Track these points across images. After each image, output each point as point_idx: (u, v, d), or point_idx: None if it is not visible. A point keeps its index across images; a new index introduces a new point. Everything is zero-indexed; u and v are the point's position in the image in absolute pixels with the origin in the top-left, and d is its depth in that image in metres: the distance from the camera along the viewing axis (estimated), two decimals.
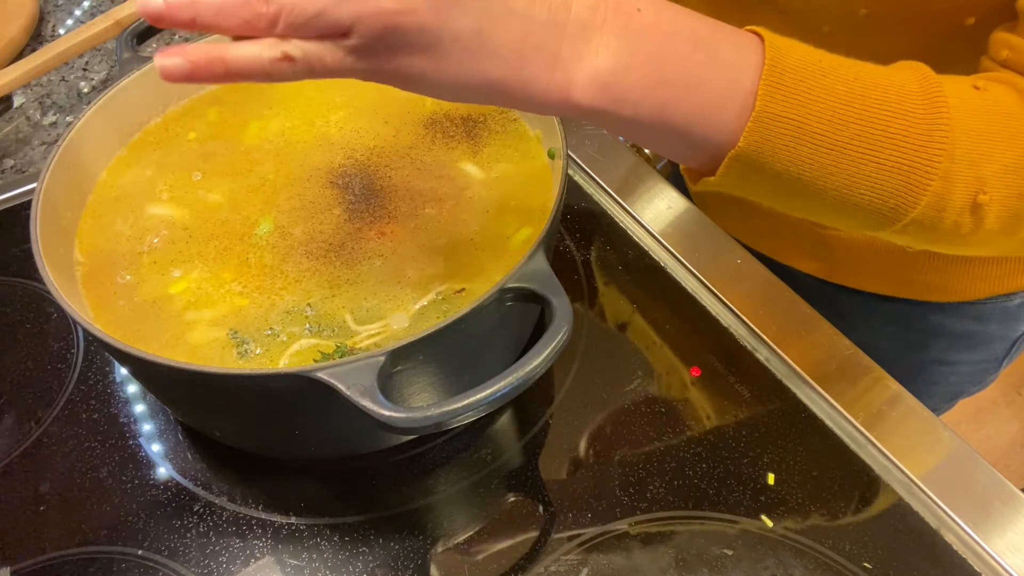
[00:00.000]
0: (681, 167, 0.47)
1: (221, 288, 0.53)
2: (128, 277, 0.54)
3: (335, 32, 0.36)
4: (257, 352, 0.50)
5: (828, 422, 0.57)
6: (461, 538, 0.52)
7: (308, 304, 0.52)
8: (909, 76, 0.43)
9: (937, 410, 0.82)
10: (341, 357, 0.48)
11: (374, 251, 0.54)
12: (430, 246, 0.55)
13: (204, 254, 0.55)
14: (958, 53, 0.51)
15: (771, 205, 0.47)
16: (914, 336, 0.73)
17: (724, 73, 0.41)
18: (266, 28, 0.36)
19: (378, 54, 0.37)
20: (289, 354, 0.49)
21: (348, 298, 0.52)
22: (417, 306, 0.51)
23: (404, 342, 0.43)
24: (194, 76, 0.36)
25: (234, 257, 0.55)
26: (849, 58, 0.43)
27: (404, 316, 0.51)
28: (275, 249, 0.55)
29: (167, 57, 0.35)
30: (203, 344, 0.50)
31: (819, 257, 0.72)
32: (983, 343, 0.74)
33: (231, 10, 0.35)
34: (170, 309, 0.52)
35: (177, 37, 0.90)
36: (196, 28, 0.36)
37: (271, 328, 0.51)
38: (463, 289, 0.52)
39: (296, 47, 0.36)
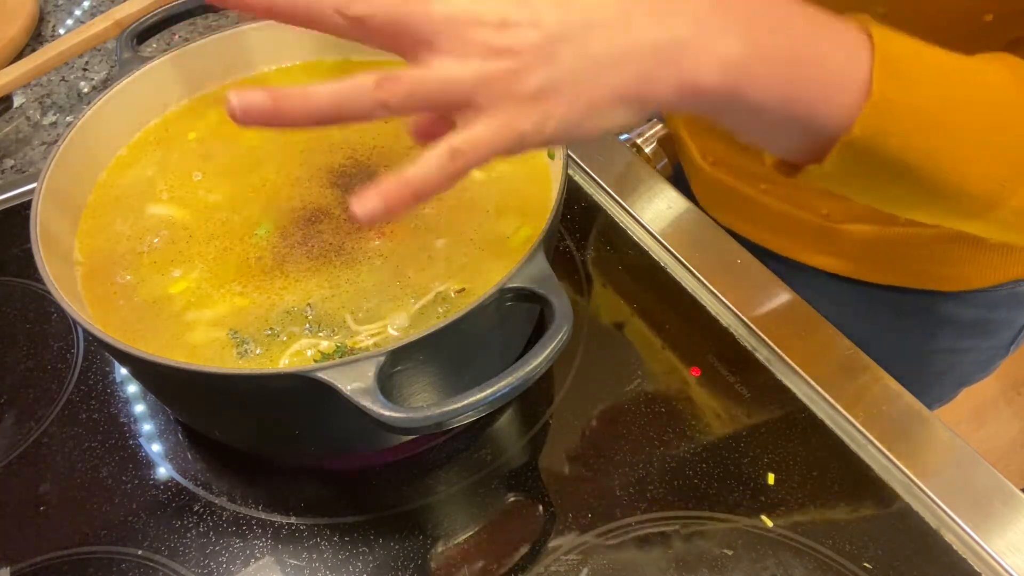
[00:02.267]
0: (771, 162, 0.47)
1: (221, 288, 0.53)
2: (128, 277, 0.54)
3: (462, 101, 0.37)
4: (257, 352, 0.50)
5: (828, 422, 0.57)
6: (461, 538, 0.52)
7: (308, 304, 0.52)
8: (998, 65, 0.44)
9: (944, 398, 0.83)
10: (341, 357, 0.48)
11: (374, 251, 0.54)
12: (430, 246, 0.55)
13: (204, 254, 0.55)
14: (975, 50, 0.51)
15: (865, 198, 0.47)
16: (925, 326, 0.74)
17: (843, 50, 0.40)
18: (397, 110, 0.38)
19: (515, 109, 0.37)
20: (289, 354, 0.49)
21: (348, 298, 0.52)
22: (417, 306, 0.51)
23: (404, 342, 0.43)
24: (391, 214, 0.37)
25: (234, 257, 0.55)
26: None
27: (404, 316, 0.51)
28: (275, 249, 0.55)
29: (363, 204, 0.37)
30: (203, 344, 0.50)
31: (831, 252, 0.72)
32: (992, 330, 0.75)
33: (355, 100, 0.37)
34: (170, 309, 0.52)
35: (177, 38, 0.90)
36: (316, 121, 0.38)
37: (271, 328, 0.51)
38: (463, 289, 0.52)
39: (459, 139, 0.37)
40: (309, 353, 0.49)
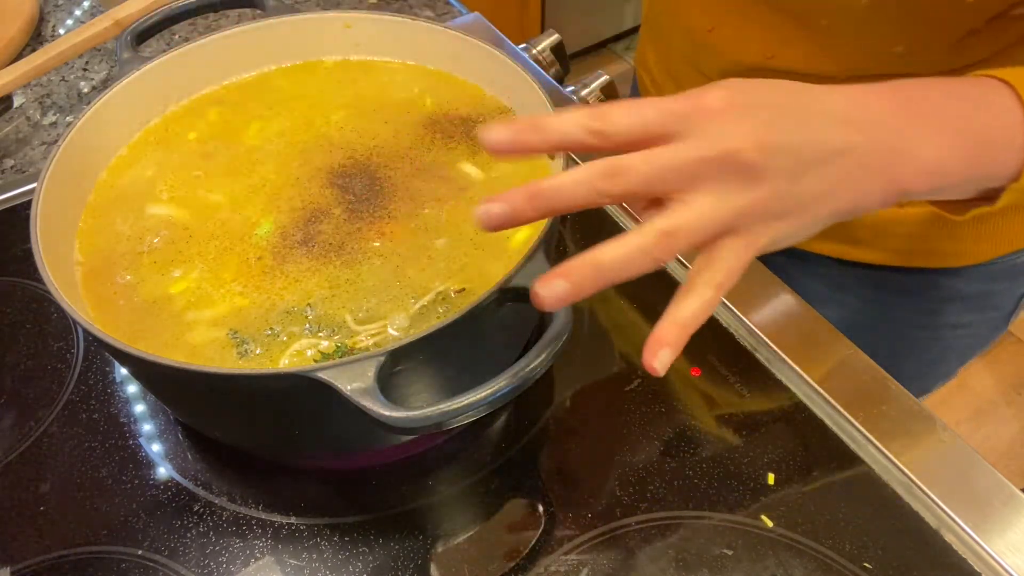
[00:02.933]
0: (932, 206, 0.51)
1: (221, 288, 0.53)
2: (128, 277, 0.54)
3: (723, 232, 0.39)
4: (257, 352, 0.50)
5: (828, 422, 0.57)
6: (461, 538, 0.52)
7: (308, 304, 0.52)
8: None
9: (948, 375, 0.84)
10: (341, 357, 0.48)
11: (374, 251, 0.54)
12: (430, 246, 0.55)
13: (204, 254, 0.55)
14: (955, 32, 0.51)
15: None
16: (929, 304, 0.74)
17: (998, 109, 0.44)
18: (668, 258, 0.39)
19: (761, 228, 0.40)
20: (289, 354, 0.49)
21: (348, 298, 0.52)
22: (417, 306, 0.51)
23: (404, 342, 0.43)
24: (576, 295, 0.39)
25: (234, 257, 0.55)
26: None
27: (404, 316, 0.51)
28: (275, 249, 0.55)
29: (547, 287, 0.39)
30: (203, 344, 0.50)
31: (835, 238, 0.72)
32: (993, 303, 0.76)
33: (638, 258, 0.39)
34: (170, 309, 0.52)
35: (177, 37, 0.90)
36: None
37: (271, 328, 0.51)
38: (463, 289, 0.52)
39: (720, 274, 0.40)
40: (309, 353, 0.49)
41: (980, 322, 0.78)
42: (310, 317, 0.51)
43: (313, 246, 0.55)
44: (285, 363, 0.49)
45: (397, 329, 0.50)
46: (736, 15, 0.64)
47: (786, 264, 0.73)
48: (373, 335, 0.50)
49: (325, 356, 0.49)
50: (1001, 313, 0.78)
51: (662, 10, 0.74)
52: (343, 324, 0.51)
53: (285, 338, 0.50)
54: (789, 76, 0.62)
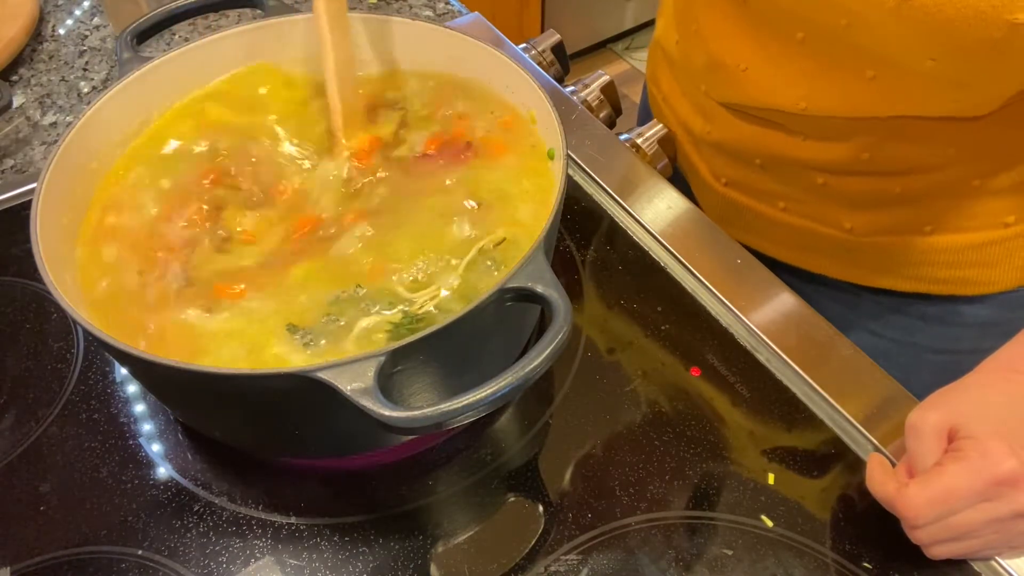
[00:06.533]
0: None
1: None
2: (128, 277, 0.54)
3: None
4: (322, 343, 0.49)
5: (828, 422, 0.57)
6: (461, 538, 0.52)
7: (357, 284, 0.51)
8: None
9: None
10: (410, 324, 0.48)
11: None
12: (461, 207, 0.55)
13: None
14: (996, 60, 0.50)
15: None
16: (949, 330, 0.74)
17: None
18: None
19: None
20: (354, 336, 0.49)
21: (392, 270, 0.52)
22: (463, 264, 0.51)
23: (404, 342, 0.43)
24: None
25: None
26: None
27: (454, 276, 0.50)
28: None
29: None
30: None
31: (855, 264, 0.72)
32: (1015, 327, 0.75)
33: None
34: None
35: (177, 37, 0.90)
36: None
37: (327, 315, 0.50)
38: (504, 239, 0.51)
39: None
40: (376, 330, 0.49)
41: (999, 347, 0.77)
42: (362, 296, 0.50)
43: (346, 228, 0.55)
44: (352, 346, 0.48)
45: (448, 289, 0.50)
46: (771, 58, 0.63)
47: (804, 287, 0.73)
48: (428, 299, 0.50)
49: (394, 327, 0.48)
50: None
51: (687, 39, 0.72)
52: (396, 295, 0.50)
53: (344, 322, 0.49)
54: (826, 120, 0.62)
